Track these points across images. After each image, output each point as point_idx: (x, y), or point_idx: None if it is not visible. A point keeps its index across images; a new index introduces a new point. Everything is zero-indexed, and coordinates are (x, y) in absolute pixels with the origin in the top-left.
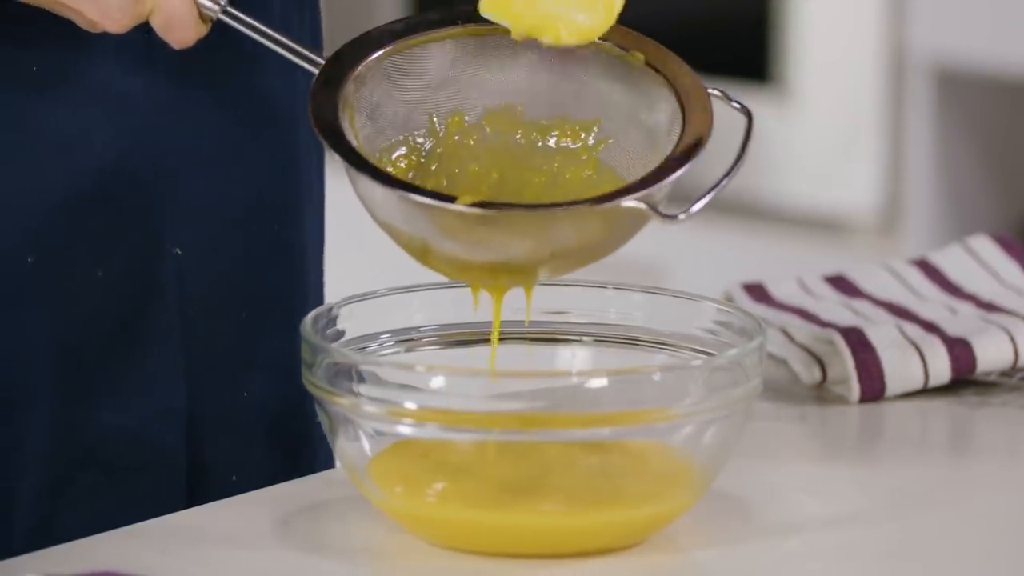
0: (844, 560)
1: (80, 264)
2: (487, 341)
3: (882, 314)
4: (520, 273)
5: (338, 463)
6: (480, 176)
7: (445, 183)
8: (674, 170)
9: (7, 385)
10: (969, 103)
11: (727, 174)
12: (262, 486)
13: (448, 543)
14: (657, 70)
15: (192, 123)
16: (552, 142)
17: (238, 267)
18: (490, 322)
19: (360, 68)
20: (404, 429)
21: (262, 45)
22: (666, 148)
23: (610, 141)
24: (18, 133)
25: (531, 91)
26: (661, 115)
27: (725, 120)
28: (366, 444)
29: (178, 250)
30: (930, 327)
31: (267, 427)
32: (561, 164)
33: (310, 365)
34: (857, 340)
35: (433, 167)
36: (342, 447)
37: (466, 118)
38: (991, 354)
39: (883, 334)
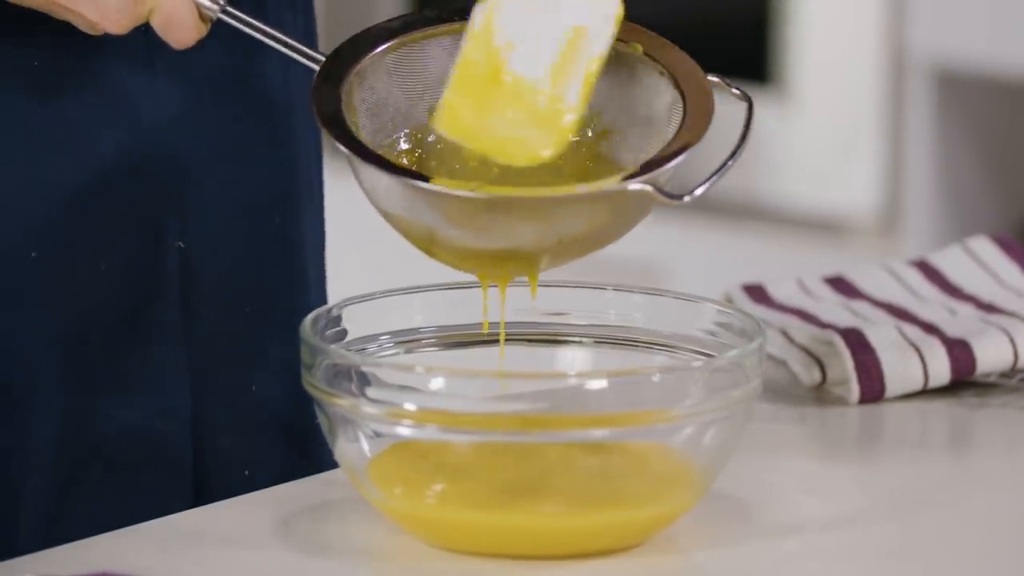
0: (844, 561)
1: (83, 260)
2: (487, 342)
3: (882, 315)
4: (525, 261)
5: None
6: (480, 171)
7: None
8: (679, 153)
9: (11, 382)
10: (969, 104)
11: (730, 156)
12: (268, 483)
13: (448, 544)
14: (655, 59)
15: (193, 120)
16: None
17: (240, 262)
18: (491, 322)
19: (360, 65)
20: (404, 430)
21: (261, 43)
22: (667, 136)
23: (611, 134)
24: (20, 132)
25: None
26: (661, 104)
27: (726, 112)
28: (366, 445)
29: (180, 244)
30: (930, 328)
31: (272, 423)
32: (562, 156)
33: (309, 366)
34: (857, 341)
35: (433, 163)
36: (342, 448)
37: None
38: (991, 355)
39: (883, 335)
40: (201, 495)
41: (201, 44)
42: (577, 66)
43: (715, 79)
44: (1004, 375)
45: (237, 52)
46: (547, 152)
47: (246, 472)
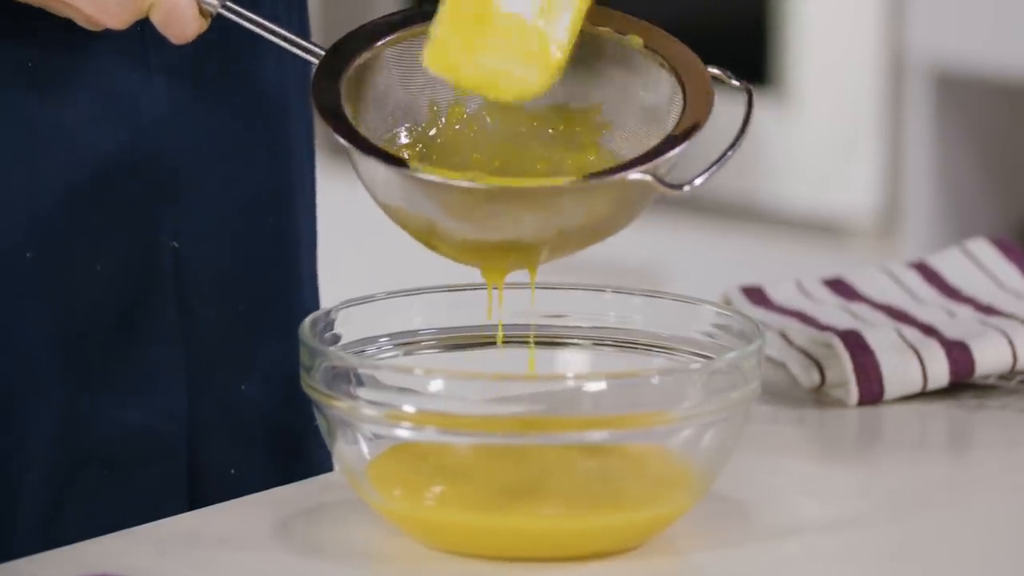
0: (843, 562)
1: (79, 259)
2: (486, 344)
3: (880, 317)
4: (525, 252)
5: (336, 467)
6: (481, 165)
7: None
8: (679, 142)
9: (7, 382)
10: (968, 106)
11: (731, 147)
12: (262, 483)
13: (446, 546)
14: (656, 51)
15: (189, 117)
16: (553, 129)
17: (235, 260)
18: (490, 325)
19: (359, 59)
20: (402, 432)
21: (260, 38)
22: (668, 127)
23: (611, 127)
24: (16, 130)
25: None
26: (662, 96)
27: (726, 110)
28: (364, 448)
29: (175, 243)
30: (928, 330)
31: (266, 422)
32: (563, 151)
33: (308, 368)
34: (855, 343)
35: (434, 157)
36: (340, 451)
37: (466, 108)
38: (989, 357)
39: (881, 337)
40: (196, 494)
41: (198, 42)
42: (565, 1)
43: (715, 70)
44: (1003, 377)
45: (234, 47)
46: (535, 86)
47: (240, 471)
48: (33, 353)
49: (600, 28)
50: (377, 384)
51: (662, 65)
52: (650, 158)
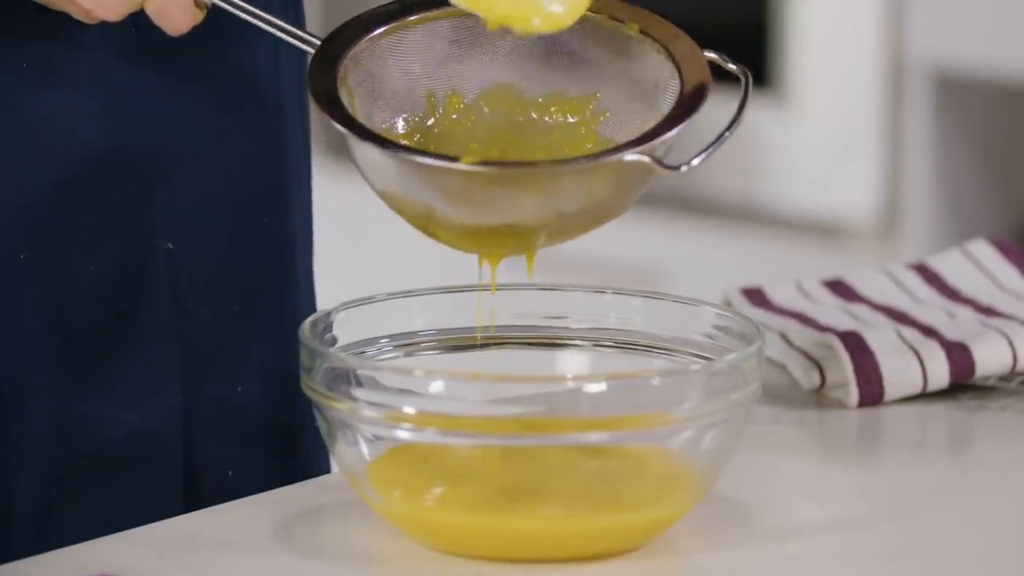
0: (843, 563)
1: (72, 259)
2: (486, 345)
3: (881, 318)
4: (524, 237)
5: (336, 468)
6: (479, 154)
7: None
8: (676, 124)
9: (2, 383)
10: (968, 107)
11: (728, 128)
12: (259, 482)
13: (447, 547)
14: (652, 37)
15: (182, 112)
16: (550, 118)
17: (229, 259)
18: (489, 327)
19: (355, 48)
20: (403, 434)
21: (255, 33)
22: (665, 111)
23: (608, 114)
24: (6, 124)
25: (528, 68)
26: (658, 81)
27: (726, 107)
28: (364, 449)
29: (170, 244)
30: (929, 331)
31: (263, 421)
32: (560, 139)
33: (308, 370)
34: (856, 344)
35: (432, 147)
36: (341, 452)
37: (463, 97)
38: (989, 358)
39: (882, 338)
40: (192, 495)
41: (192, 35)
42: None
43: (712, 54)
44: (1003, 378)
45: (227, 40)
46: (564, 17)
47: (237, 470)
48: (28, 354)
49: (596, 15)
50: (377, 385)
51: (658, 51)
52: (648, 139)
